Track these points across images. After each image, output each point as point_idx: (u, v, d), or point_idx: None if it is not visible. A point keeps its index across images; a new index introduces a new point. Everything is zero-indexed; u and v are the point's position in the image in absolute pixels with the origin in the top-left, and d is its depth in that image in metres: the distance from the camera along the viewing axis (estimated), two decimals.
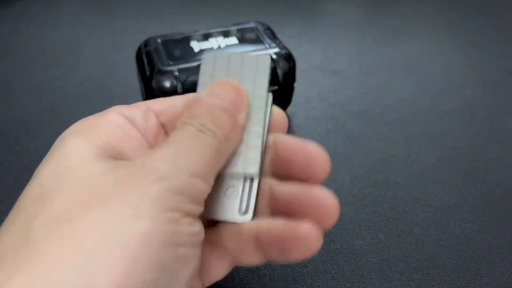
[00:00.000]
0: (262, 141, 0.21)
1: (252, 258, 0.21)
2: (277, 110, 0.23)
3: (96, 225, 0.15)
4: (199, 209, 0.18)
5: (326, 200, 0.20)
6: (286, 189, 0.21)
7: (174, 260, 0.16)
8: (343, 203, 0.30)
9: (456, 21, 0.50)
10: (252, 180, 0.22)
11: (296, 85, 0.35)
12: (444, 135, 0.36)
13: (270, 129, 0.23)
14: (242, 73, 0.22)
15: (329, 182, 0.31)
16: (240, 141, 0.21)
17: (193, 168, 0.17)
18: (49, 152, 0.19)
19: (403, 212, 0.30)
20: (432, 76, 0.42)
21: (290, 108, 0.37)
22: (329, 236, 0.28)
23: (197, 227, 0.18)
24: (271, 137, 0.22)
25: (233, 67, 0.23)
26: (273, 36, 0.35)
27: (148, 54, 0.33)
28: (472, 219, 0.29)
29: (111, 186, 0.16)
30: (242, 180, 0.22)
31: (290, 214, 0.20)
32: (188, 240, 0.17)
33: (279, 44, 0.34)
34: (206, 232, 0.19)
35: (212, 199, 0.21)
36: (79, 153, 0.18)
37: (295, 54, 0.35)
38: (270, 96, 0.23)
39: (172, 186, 0.16)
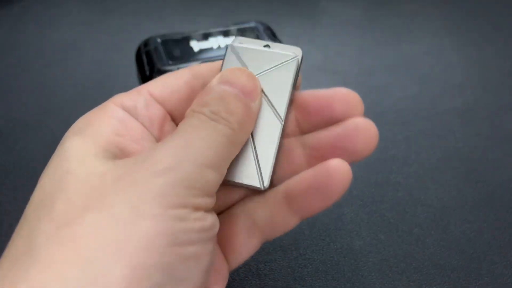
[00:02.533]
0: (277, 148, 0.20)
1: (285, 221, 0.20)
2: (347, 91, 0.21)
3: (95, 228, 0.14)
4: (211, 201, 0.17)
5: (365, 126, 0.21)
6: (322, 136, 0.21)
7: (182, 261, 0.15)
8: (343, 203, 0.30)
9: (456, 21, 0.50)
10: (270, 142, 0.20)
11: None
12: (444, 135, 0.36)
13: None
14: (267, 69, 0.21)
15: None
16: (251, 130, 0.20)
17: (203, 158, 0.16)
18: (52, 156, 0.18)
19: (403, 212, 0.30)
20: (432, 76, 0.42)
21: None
22: (329, 236, 0.28)
23: (209, 221, 0.16)
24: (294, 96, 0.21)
25: (258, 62, 0.21)
26: (273, 36, 0.35)
27: (147, 54, 0.33)
28: (473, 219, 0.29)
29: (110, 185, 0.15)
30: (262, 143, 0.20)
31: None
32: (197, 237, 0.16)
33: None
34: (230, 208, 0.19)
35: (238, 163, 0.20)
36: (78, 154, 0.17)
37: None
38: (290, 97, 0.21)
39: (178, 178, 0.15)
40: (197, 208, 0.16)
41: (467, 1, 0.53)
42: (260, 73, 0.21)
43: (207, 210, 0.17)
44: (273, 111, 0.21)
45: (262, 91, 0.21)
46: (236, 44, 0.22)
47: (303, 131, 0.21)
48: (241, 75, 0.19)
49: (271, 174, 0.20)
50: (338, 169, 0.19)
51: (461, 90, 0.40)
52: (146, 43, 0.34)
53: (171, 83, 0.21)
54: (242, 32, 0.35)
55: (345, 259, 0.27)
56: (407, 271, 0.26)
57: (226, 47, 0.22)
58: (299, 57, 0.21)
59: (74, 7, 0.50)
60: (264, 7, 0.51)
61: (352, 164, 0.33)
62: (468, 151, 0.34)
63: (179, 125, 0.18)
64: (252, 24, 0.36)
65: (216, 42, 0.33)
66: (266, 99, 0.21)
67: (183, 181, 0.15)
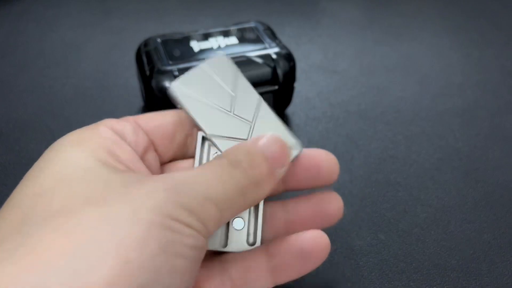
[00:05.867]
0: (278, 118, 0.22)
1: (259, 280, 0.20)
2: (325, 154, 0.23)
3: (92, 222, 0.15)
4: (205, 230, 0.17)
5: (330, 200, 0.23)
6: (298, 208, 0.23)
7: (169, 269, 0.15)
8: (343, 203, 0.30)
9: (456, 21, 0.50)
10: (257, 209, 0.22)
11: (296, 85, 0.35)
12: (444, 135, 0.36)
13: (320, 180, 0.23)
14: (218, 80, 0.22)
15: None
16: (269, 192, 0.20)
17: (209, 193, 0.17)
18: (41, 160, 0.18)
19: (403, 212, 0.30)
20: (432, 76, 0.42)
21: (290, 108, 0.37)
22: (329, 236, 0.28)
23: (201, 242, 0.17)
24: None
25: (205, 82, 0.22)
26: (273, 36, 0.35)
27: (147, 54, 0.33)
28: (473, 219, 0.29)
29: (114, 189, 0.16)
30: (248, 210, 0.21)
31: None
32: (187, 253, 0.16)
33: (279, 44, 0.34)
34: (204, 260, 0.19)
35: (218, 231, 0.21)
36: (80, 161, 0.17)
37: (295, 54, 0.35)
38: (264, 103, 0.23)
39: (177, 199, 0.16)
40: (190, 226, 0.16)
41: (467, 1, 0.53)
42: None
43: (200, 233, 0.17)
44: (249, 96, 0.22)
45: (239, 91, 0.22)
46: (174, 84, 0.22)
47: (287, 186, 0.23)
48: (275, 141, 0.20)
49: (295, 137, 0.22)
50: (319, 239, 0.21)
51: (461, 90, 0.40)
52: (146, 43, 0.34)
53: (157, 118, 0.22)
54: (242, 32, 0.35)
55: (345, 259, 0.27)
56: (407, 271, 0.26)
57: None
58: (223, 55, 0.23)
59: (74, 7, 0.50)
60: (264, 7, 0.51)
61: (352, 163, 0.33)
62: (468, 151, 0.34)
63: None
64: (252, 24, 0.36)
65: (216, 42, 0.33)
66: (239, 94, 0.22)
67: (181, 203, 0.16)
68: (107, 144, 0.19)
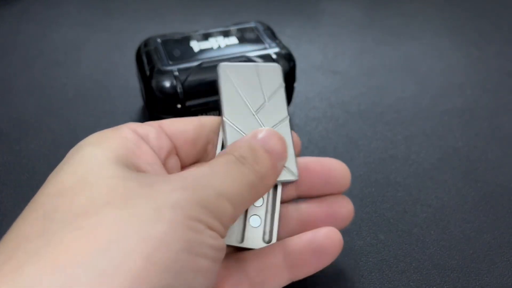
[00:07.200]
0: (292, 140, 0.23)
1: (277, 276, 0.21)
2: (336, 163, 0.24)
3: (115, 222, 0.15)
4: (223, 230, 0.17)
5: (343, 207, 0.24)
6: (311, 209, 0.23)
7: (192, 269, 0.15)
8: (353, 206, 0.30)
9: (456, 21, 0.50)
10: (274, 207, 0.22)
11: (296, 85, 0.35)
12: (444, 135, 0.36)
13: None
14: (261, 84, 0.23)
15: None
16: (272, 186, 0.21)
17: (223, 190, 0.17)
18: (64, 161, 0.18)
19: (403, 212, 0.30)
20: (432, 76, 0.42)
21: (290, 108, 0.37)
22: None
23: (221, 243, 0.17)
24: None
25: (250, 79, 0.23)
26: (273, 36, 0.35)
27: (147, 54, 0.33)
28: (472, 219, 0.29)
29: (134, 189, 0.16)
30: (265, 209, 0.22)
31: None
32: (209, 253, 0.16)
33: (279, 44, 0.34)
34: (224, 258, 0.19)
35: (235, 227, 0.22)
36: (100, 160, 0.17)
37: (295, 54, 0.35)
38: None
39: (195, 197, 0.16)
40: (211, 228, 0.16)
41: (467, 1, 0.53)
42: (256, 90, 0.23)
43: (219, 233, 0.17)
44: (278, 110, 0.23)
45: (266, 99, 0.23)
46: (222, 66, 0.24)
47: (299, 192, 0.24)
48: (273, 135, 0.21)
49: (297, 165, 0.22)
50: (332, 235, 0.22)
51: (461, 90, 0.40)
52: (146, 43, 0.34)
53: (179, 123, 0.22)
54: (242, 32, 0.35)
55: (345, 259, 0.27)
56: (407, 271, 0.26)
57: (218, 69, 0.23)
58: (278, 66, 0.24)
59: (74, 7, 0.50)
60: (264, 7, 0.51)
61: (352, 163, 0.33)
62: (468, 151, 0.34)
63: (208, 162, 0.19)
64: (252, 24, 0.36)
65: (216, 42, 0.33)
66: (270, 101, 0.23)
67: (199, 201, 0.16)
68: (128, 145, 0.19)
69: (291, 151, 0.22)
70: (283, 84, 0.24)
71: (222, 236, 0.17)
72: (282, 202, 0.23)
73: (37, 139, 0.34)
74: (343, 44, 0.46)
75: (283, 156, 0.21)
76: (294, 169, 0.22)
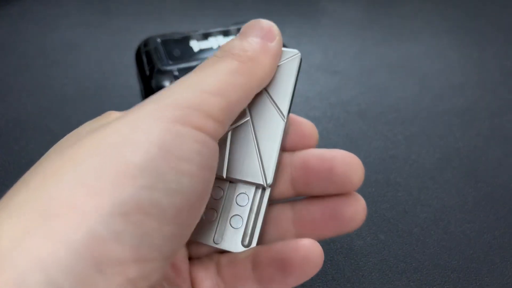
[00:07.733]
0: (279, 146, 0.20)
1: (245, 286, 0.19)
2: (306, 121, 0.22)
3: (92, 142, 0.15)
4: (215, 126, 0.16)
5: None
6: (310, 208, 0.20)
7: (174, 171, 0.15)
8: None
9: (456, 21, 0.50)
10: (258, 209, 0.21)
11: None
12: (444, 135, 0.36)
13: (297, 142, 0.21)
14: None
15: None
16: (273, 71, 0.19)
17: (203, 84, 0.16)
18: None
19: (403, 212, 0.30)
20: (432, 76, 0.42)
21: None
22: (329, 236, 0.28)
23: (210, 146, 0.16)
24: (288, 156, 0.21)
25: None
26: None
27: (147, 53, 0.33)
28: (473, 219, 0.29)
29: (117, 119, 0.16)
30: (249, 208, 0.21)
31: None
32: (194, 158, 0.15)
33: None
34: (203, 258, 0.19)
35: (214, 225, 0.20)
36: (89, 125, 0.18)
37: None
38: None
39: (175, 99, 0.16)
40: (198, 128, 0.16)
41: (467, 1, 0.53)
42: None
43: (211, 135, 0.16)
44: (275, 109, 0.21)
45: (265, 89, 0.21)
46: None
47: (297, 190, 0.21)
48: (257, 22, 0.19)
49: (274, 172, 0.20)
50: (307, 249, 0.18)
51: (461, 90, 0.40)
52: (146, 43, 0.34)
53: None
54: None
55: (345, 259, 0.27)
56: (407, 271, 0.26)
57: None
58: (300, 56, 0.21)
59: (74, 7, 0.50)
60: (264, 7, 0.51)
61: None
62: (468, 151, 0.34)
63: None
64: None
65: (216, 42, 0.33)
66: (269, 96, 0.21)
67: (181, 103, 0.16)
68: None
69: (273, 155, 0.20)
70: (298, 71, 0.21)
71: (217, 135, 0.17)
72: (277, 201, 0.21)
73: (37, 139, 0.34)
74: (343, 44, 0.46)
75: (272, 35, 0.19)
76: (269, 174, 0.20)
